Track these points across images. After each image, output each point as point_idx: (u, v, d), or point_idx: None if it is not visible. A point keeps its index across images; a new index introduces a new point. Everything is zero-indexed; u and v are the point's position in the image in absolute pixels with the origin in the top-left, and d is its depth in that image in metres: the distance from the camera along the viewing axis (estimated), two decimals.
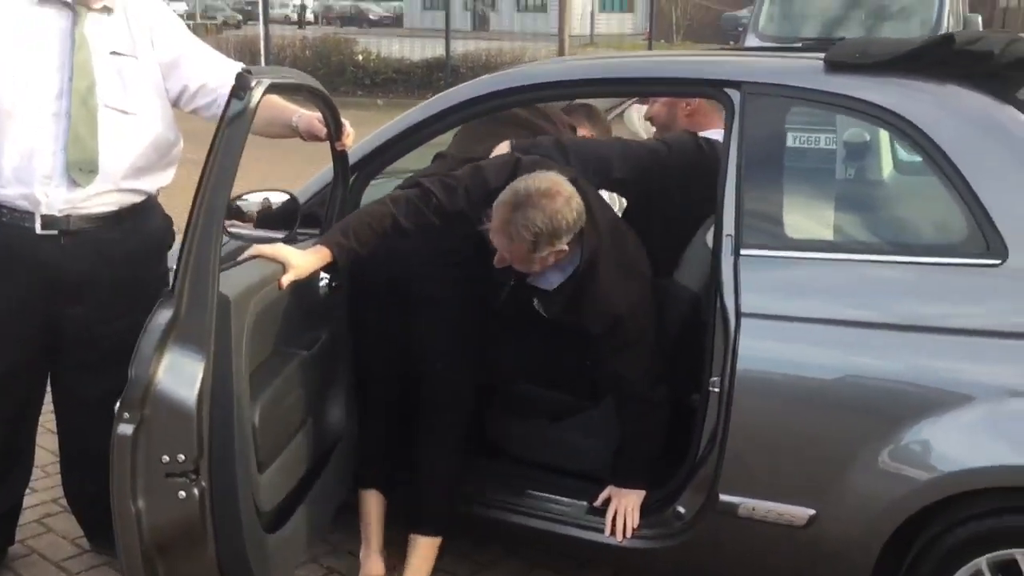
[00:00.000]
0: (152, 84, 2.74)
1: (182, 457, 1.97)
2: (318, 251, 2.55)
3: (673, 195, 2.88)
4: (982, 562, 2.30)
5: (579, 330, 2.85)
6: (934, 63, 2.50)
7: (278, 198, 2.92)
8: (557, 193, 2.52)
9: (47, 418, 3.05)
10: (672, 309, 2.83)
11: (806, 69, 2.62)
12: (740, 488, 2.52)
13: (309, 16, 39.23)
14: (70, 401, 2.91)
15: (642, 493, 2.76)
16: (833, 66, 2.57)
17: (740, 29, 13.70)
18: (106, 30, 2.68)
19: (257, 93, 2.13)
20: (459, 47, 16.74)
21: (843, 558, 2.44)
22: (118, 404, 1.97)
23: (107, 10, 2.68)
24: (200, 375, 1.99)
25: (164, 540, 2.03)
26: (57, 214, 2.62)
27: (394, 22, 43.58)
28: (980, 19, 11.85)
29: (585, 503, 2.84)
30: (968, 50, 2.45)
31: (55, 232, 2.63)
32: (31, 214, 2.62)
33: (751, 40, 9.79)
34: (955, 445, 2.30)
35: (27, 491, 3.09)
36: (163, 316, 2.00)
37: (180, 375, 1.98)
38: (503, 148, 2.85)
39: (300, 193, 3.04)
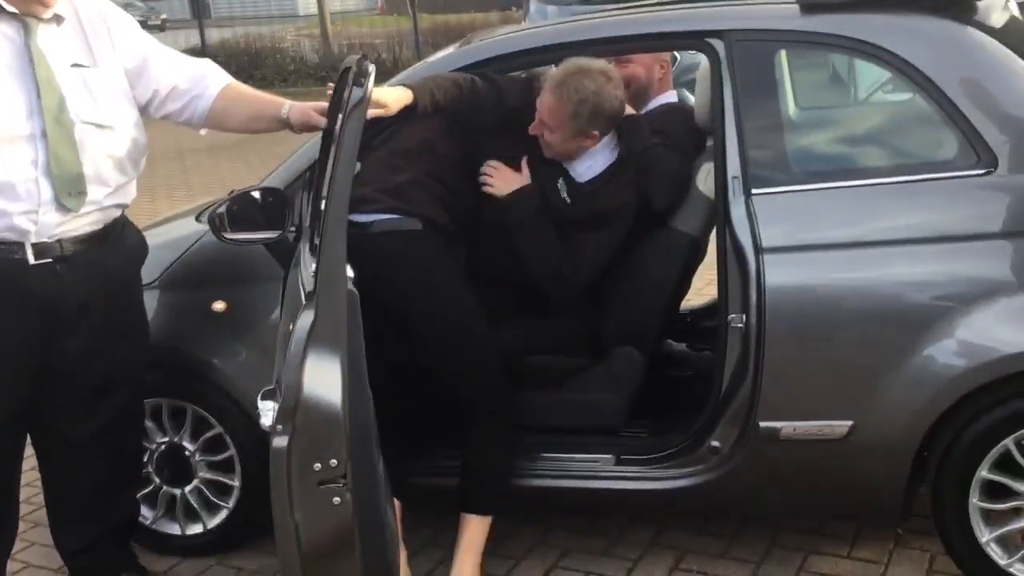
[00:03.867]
0: (121, 92, 2.52)
1: (334, 463, 1.86)
2: (402, 91, 2.62)
3: None
4: (1009, 442, 2.56)
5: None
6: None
7: (260, 195, 2.78)
8: (612, 77, 2.80)
9: None
10: (675, 255, 2.95)
11: (785, 14, 2.77)
12: (779, 413, 2.66)
13: None
14: (57, 444, 2.65)
15: None
16: (809, 8, 2.73)
17: None
18: (62, 41, 2.43)
19: (372, 80, 2.03)
20: (214, 35, 16.06)
21: (882, 461, 2.64)
22: (273, 418, 1.84)
23: (58, 19, 2.43)
24: (340, 376, 1.89)
25: (320, 549, 1.92)
26: (48, 240, 2.39)
27: None
28: None
29: (611, 456, 2.90)
30: None
31: (50, 260, 2.40)
32: (20, 244, 2.36)
33: (534, 4, 10.04)
34: (986, 337, 2.52)
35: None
36: (307, 319, 1.87)
37: (324, 379, 1.86)
38: None
39: (280, 185, 2.90)
